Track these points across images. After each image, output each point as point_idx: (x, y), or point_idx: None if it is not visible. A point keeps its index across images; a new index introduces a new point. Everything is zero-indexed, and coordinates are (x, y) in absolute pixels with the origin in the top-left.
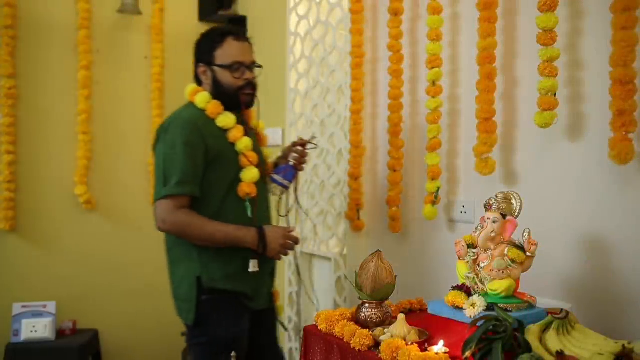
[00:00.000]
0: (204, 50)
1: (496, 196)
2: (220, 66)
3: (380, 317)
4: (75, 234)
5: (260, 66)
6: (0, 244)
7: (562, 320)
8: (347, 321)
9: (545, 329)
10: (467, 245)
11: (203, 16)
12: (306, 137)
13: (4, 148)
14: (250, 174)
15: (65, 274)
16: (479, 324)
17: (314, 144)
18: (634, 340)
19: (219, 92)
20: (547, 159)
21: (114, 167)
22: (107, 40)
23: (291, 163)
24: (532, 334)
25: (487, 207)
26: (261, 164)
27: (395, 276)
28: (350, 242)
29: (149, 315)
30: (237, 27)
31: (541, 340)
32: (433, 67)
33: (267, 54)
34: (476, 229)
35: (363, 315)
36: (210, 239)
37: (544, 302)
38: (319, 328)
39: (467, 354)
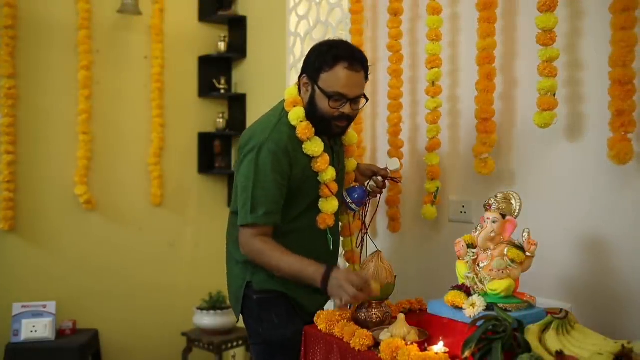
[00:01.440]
0: (313, 65)
1: (496, 196)
2: (321, 90)
3: (380, 317)
4: (75, 234)
5: (367, 99)
6: (0, 244)
7: (561, 320)
8: (347, 321)
9: (545, 328)
10: (467, 245)
11: (203, 16)
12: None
13: (4, 148)
14: (331, 206)
15: (65, 274)
16: (478, 323)
17: (398, 181)
18: (633, 340)
19: (312, 111)
20: (546, 159)
21: (114, 167)
22: (107, 40)
23: (368, 189)
24: (531, 333)
25: (487, 207)
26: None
27: (395, 276)
28: None
29: (149, 315)
30: (353, 51)
31: (541, 340)
32: (432, 67)
33: (267, 54)
34: (476, 229)
35: (363, 315)
36: (280, 270)
37: (543, 302)
38: (319, 328)
39: (467, 353)
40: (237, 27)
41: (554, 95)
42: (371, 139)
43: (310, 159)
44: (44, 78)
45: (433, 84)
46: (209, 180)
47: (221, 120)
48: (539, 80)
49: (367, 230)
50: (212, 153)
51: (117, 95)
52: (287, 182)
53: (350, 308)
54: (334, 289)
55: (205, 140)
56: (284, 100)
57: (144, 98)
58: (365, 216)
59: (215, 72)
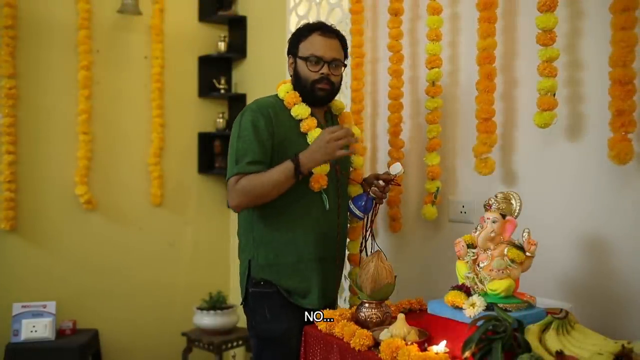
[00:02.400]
0: (292, 43)
1: (496, 196)
2: (300, 58)
3: (380, 317)
4: (75, 234)
5: (344, 64)
6: (1, 244)
7: (561, 320)
8: (347, 321)
9: (545, 328)
10: (467, 245)
11: (203, 16)
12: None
13: (4, 148)
14: (321, 167)
15: (65, 274)
16: (478, 323)
17: (398, 183)
18: (633, 340)
19: (297, 83)
20: (546, 159)
21: (114, 167)
22: (107, 40)
23: (371, 195)
24: (531, 333)
25: (487, 207)
26: (338, 162)
27: (395, 276)
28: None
29: (149, 315)
30: (326, 24)
31: (541, 340)
32: (433, 67)
33: (267, 54)
34: (476, 229)
35: (363, 315)
36: (268, 190)
37: (543, 302)
38: (319, 328)
39: (467, 353)
40: (237, 27)
41: (554, 95)
42: (371, 139)
43: (296, 124)
44: (44, 78)
45: (433, 84)
46: (209, 180)
47: (221, 120)
48: (539, 80)
49: (373, 236)
50: (212, 153)
51: (117, 95)
52: (271, 140)
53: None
54: (320, 150)
55: (205, 140)
56: None
57: (144, 98)
58: (371, 222)
59: (215, 72)
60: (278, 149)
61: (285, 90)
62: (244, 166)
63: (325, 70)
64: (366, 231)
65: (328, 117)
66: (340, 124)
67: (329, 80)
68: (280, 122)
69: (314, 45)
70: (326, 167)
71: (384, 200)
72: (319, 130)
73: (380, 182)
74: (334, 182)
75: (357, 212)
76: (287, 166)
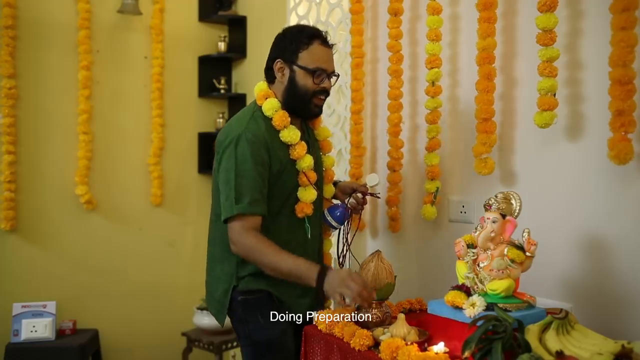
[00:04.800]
0: (288, 48)
1: (496, 196)
2: (302, 68)
3: (380, 317)
4: (75, 234)
5: (337, 75)
6: (1, 244)
7: (561, 320)
8: (347, 321)
9: (545, 328)
10: (467, 245)
11: (203, 16)
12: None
13: (4, 148)
14: (309, 195)
15: (66, 274)
16: (478, 323)
17: (378, 196)
18: (633, 340)
19: (292, 93)
20: (546, 159)
21: (115, 167)
22: (107, 40)
23: (348, 206)
24: (531, 333)
25: (487, 207)
26: (319, 182)
27: (395, 276)
28: None
29: (149, 315)
30: (320, 30)
31: (541, 340)
32: (432, 67)
33: (267, 54)
34: (476, 229)
35: (363, 315)
36: (274, 269)
37: (543, 302)
38: (319, 328)
39: (467, 353)
40: (237, 27)
41: (554, 95)
42: (371, 139)
43: (286, 148)
44: (44, 78)
45: (433, 84)
46: (209, 181)
47: (221, 120)
48: (539, 80)
49: (349, 247)
50: (212, 153)
51: (117, 95)
52: (268, 171)
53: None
54: (334, 286)
55: (205, 140)
56: (254, 100)
57: (144, 98)
58: (347, 234)
59: (215, 72)
60: (274, 180)
61: (273, 107)
62: (246, 206)
63: (327, 84)
64: (344, 243)
65: (304, 125)
66: (322, 146)
67: (328, 92)
68: (275, 151)
69: (319, 56)
70: (313, 195)
71: (360, 212)
72: (309, 158)
73: (359, 194)
74: (319, 209)
75: (333, 222)
76: (308, 274)
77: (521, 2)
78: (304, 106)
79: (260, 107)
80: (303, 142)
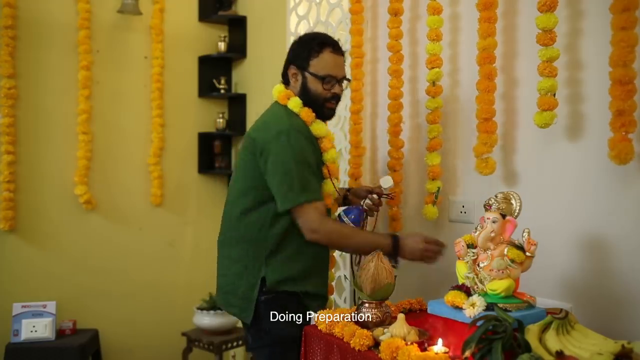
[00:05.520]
0: (300, 55)
1: (496, 196)
2: (313, 75)
3: (380, 317)
4: (75, 234)
5: (349, 80)
6: (0, 244)
7: (561, 320)
8: (347, 321)
9: (545, 328)
10: (467, 245)
11: (203, 16)
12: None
13: (4, 148)
14: (329, 187)
15: (65, 274)
16: (478, 323)
17: (393, 197)
18: (633, 340)
19: (305, 98)
20: (546, 159)
21: (114, 167)
22: (107, 40)
23: (364, 207)
24: (531, 333)
25: (487, 207)
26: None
27: (395, 276)
28: None
29: (149, 315)
30: (333, 38)
31: (541, 340)
32: (433, 67)
33: (267, 54)
34: (476, 229)
35: (363, 315)
36: (357, 249)
37: (543, 302)
38: (319, 328)
39: (467, 353)
40: (237, 27)
41: (554, 95)
42: (371, 139)
43: (317, 142)
44: (44, 78)
45: (433, 84)
46: (209, 180)
47: (221, 120)
48: (539, 80)
49: None
50: (212, 153)
51: (117, 95)
52: (316, 162)
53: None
54: (416, 255)
55: (205, 140)
56: (275, 101)
57: (144, 98)
58: None
59: (215, 72)
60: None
61: (298, 105)
62: (315, 194)
63: (337, 89)
64: None
65: None
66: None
67: (339, 97)
68: (315, 143)
69: (329, 63)
70: (332, 188)
71: (375, 213)
72: (334, 152)
73: (375, 195)
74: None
75: (350, 223)
76: (383, 243)
77: (521, 2)
78: (317, 109)
79: (285, 106)
80: (330, 133)
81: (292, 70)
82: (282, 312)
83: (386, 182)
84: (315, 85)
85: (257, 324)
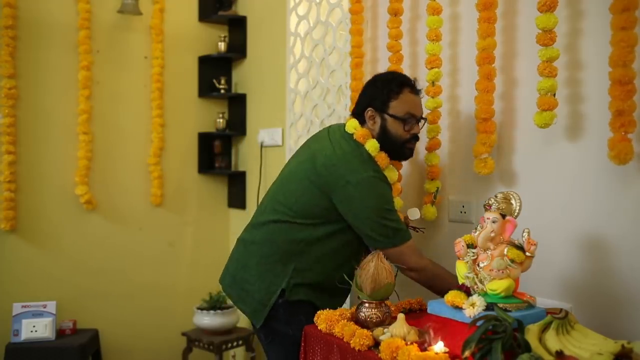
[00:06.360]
0: (379, 97)
1: (496, 196)
2: (393, 117)
3: (379, 317)
4: (75, 234)
5: (425, 119)
6: (0, 244)
7: (561, 320)
8: (347, 321)
9: (545, 328)
10: (467, 245)
11: (203, 16)
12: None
13: (4, 148)
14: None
15: (66, 274)
16: (478, 323)
17: (422, 230)
18: (633, 340)
19: (385, 140)
20: (546, 159)
21: (115, 167)
22: (107, 40)
23: None
24: (531, 333)
25: (487, 207)
26: None
27: (395, 276)
28: None
29: (149, 315)
30: (411, 79)
31: (541, 340)
32: (432, 67)
33: (267, 54)
34: (476, 229)
35: (363, 315)
36: (440, 290)
37: (543, 302)
38: (319, 328)
39: (467, 353)
40: (237, 27)
41: (554, 95)
42: None
43: None
44: (44, 78)
45: (433, 84)
46: (209, 180)
47: (221, 120)
48: (539, 80)
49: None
50: (212, 153)
51: (117, 95)
52: None
53: None
54: None
55: (205, 140)
56: (347, 133)
57: (144, 98)
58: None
59: (215, 72)
60: None
61: (376, 148)
62: (409, 234)
63: (416, 129)
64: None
65: None
66: None
67: (418, 137)
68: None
69: (409, 103)
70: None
71: None
72: (399, 200)
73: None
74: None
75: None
76: None
77: (521, 2)
78: (396, 152)
79: (362, 145)
80: (398, 184)
81: (370, 112)
82: (300, 314)
83: (413, 214)
84: (395, 127)
85: (275, 323)
